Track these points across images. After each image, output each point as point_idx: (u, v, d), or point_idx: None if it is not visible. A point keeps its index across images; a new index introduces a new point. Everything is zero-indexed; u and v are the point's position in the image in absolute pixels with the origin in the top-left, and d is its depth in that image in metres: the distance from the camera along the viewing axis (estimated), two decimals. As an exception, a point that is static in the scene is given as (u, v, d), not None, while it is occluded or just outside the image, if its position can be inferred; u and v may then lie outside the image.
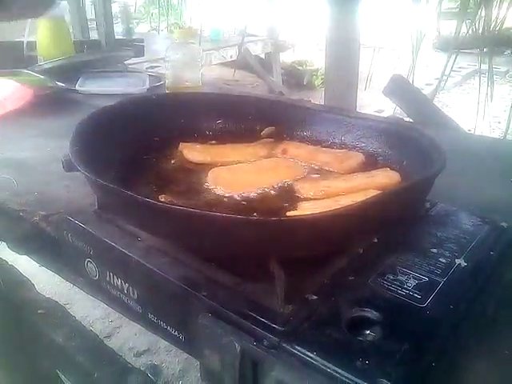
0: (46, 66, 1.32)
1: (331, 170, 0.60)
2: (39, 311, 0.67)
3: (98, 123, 0.55)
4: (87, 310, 1.42)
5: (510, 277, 0.51)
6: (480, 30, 1.29)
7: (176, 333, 0.45)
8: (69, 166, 0.49)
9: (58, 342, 0.63)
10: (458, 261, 0.47)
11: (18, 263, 0.83)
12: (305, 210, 0.48)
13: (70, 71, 1.31)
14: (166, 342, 0.62)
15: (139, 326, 0.66)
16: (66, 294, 1.44)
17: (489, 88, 1.35)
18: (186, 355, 0.79)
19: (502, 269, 0.49)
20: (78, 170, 0.45)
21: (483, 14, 1.27)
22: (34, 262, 0.88)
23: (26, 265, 0.86)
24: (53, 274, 0.79)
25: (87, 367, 0.59)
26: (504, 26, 1.48)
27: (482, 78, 1.40)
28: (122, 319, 1.45)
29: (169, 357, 1.31)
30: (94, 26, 2.07)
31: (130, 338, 1.37)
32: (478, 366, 0.43)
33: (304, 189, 0.54)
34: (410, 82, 1.41)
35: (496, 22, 1.28)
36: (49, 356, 0.64)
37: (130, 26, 2.85)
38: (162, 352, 1.32)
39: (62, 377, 0.65)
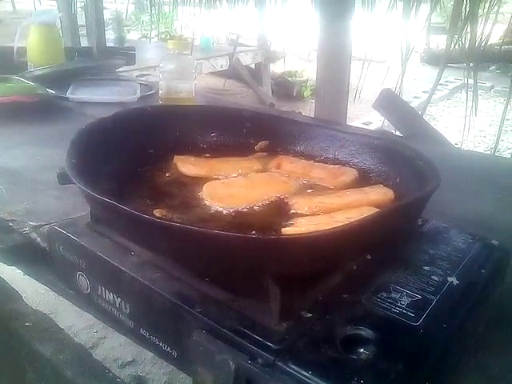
0: (37, 73, 1.31)
1: (325, 185, 0.60)
2: (26, 323, 0.66)
3: (94, 135, 0.55)
4: (72, 319, 1.40)
5: (500, 295, 0.52)
6: (466, 46, 1.31)
7: (168, 349, 0.45)
8: (63, 179, 0.48)
9: (46, 355, 0.62)
10: (450, 279, 0.47)
11: (1, 272, 0.81)
12: (300, 226, 0.48)
13: (60, 78, 1.31)
14: (152, 353, 0.62)
15: (124, 336, 0.65)
16: (51, 304, 1.42)
17: (473, 103, 1.37)
18: (171, 367, 0.78)
19: (492, 287, 0.50)
20: (73, 183, 0.45)
21: (469, 29, 1.30)
22: (18, 270, 0.87)
23: (10, 273, 0.85)
24: (37, 284, 0.78)
25: (76, 381, 0.58)
26: (489, 43, 1.51)
27: (468, 92, 1.43)
28: (106, 330, 1.43)
29: (154, 368, 1.30)
30: (85, 32, 2.07)
31: (114, 348, 1.35)
32: (470, 383, 0.44)
33: (298, 204, 0.54)
34: (399, 94, 1.43)
35: (481, 38, 1.31)
36: (35, 370, 0.63)
37: (122, 33, 2.85)
38: (147, 363, 1.30)
39: (49, 391, 0.64)
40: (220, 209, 0.53)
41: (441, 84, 4.11)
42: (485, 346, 0.47)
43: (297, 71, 4.11)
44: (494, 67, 4.43)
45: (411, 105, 2.34)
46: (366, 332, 0.40)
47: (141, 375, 1.28)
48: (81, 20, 2.17)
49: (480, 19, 1.33)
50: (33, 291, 1.38)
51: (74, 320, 1.41)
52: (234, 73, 3.46)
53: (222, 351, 0.38)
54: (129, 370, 1.29)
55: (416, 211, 0.48)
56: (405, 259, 0.50)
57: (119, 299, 0.48)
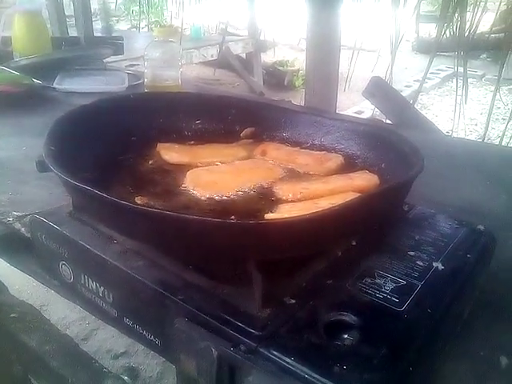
0: (23, 63, 1.29)
1: (310, 171, 0.60)
2: (12, 315, 0.65)
3: (74, 122, 0.54)
4: (64, 312, 1.39)
5: (485, 280, 0.52)
6: (457, 34, 1.31)
7: (152, 337, 0.44)
8: (42, 167, 0.48)
9: (32, 346, 0.61)
10: (435, 264, 0.47)
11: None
12: (283, 212, 0.48)
13: (47, 68, 1.29)
14: (144, 344, 0.61)
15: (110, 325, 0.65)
16: (42, 296, 1.41)
17: (463, 91, 1.37)
18: (163, 358, 0.78)
19: (478, 272, 0.50)
20: (52, 171, 0.44)
21: (459, 18, 1.30)
22: (7, 264, 0.86)
23: (-2, 267, 0.84)
24: (27, 277, 0.77)
25: (62, 372, 0.58)
26: (480, 31, 1.51)
27: (458, 80, 1.43)
28: (99, 321, 1.43)
29: (147, 359, 1.30)
30: (73, 22, 2.04)
31: (107, 340, 1.35)
32: (455, 366, 0.44)
33: (282, 190, 0.54)
34: (389, 83, 1.43)
35: (471, 26, 1.30)
36: (22, 361, 0.63)
37: (110, 23, 2.81)
38: (139, 354, 1.30)
39: (35, 382, 0.63)
40: (203, 196, 0.52)
41: (432, 73, 4.11)
42: (470, 331, 0.47)
43: (288, 61, 4.09)
44: (484, 55, 4.43)
45: (403, 94, 2.34)
46: (349, 318, 0.39)
47: (133, 366, 1.28)
48: (68, 10, 2.14)
49: (470, 8, 1.33)
50: (24, 283, 1.37)
51: (66, 312, 1.41)
52: (224, 62, 3.44)
53: (204, 338, 0.38)
54: (121, 361, 1.29)
55: (400, 196, 0.48)
56: (390, 245, 0.50)
57: (102, 288, 0.48)
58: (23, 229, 0.64)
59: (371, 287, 0.43)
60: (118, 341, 1.33)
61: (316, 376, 0.33)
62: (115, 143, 0.59)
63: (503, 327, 0.48)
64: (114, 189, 0.52)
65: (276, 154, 0.63)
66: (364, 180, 0.54)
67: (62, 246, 0.51)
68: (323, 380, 0.33)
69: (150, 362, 1.31)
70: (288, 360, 0.35)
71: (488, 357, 0.45)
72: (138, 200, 0.48)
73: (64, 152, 0.48)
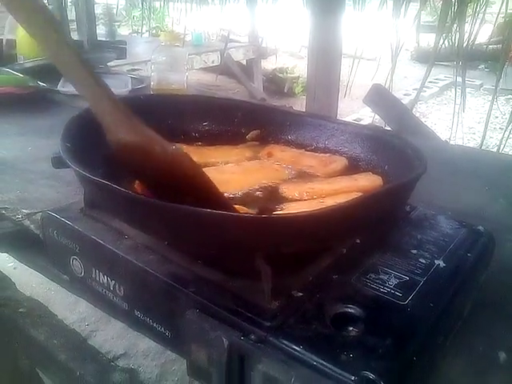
0: (27, 65, 1.30)
1: (315, 173, 0.61)
2: (20, 310, 0.66)
3: (88, 121, 0.55)
4: (63, 313, 1.40)
5: (485, 278, 0.53)
6: (456, 44, 1.33)
7: (162, 329, 0.46)
8: (58, 163, 0.49)
9: (39, 340, 0.62)
10: (437, 261, 0.48)
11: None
12: (290, 209, 0.50)
13: (51, 71, 1.29)
14: (143, 347, 0.62)
15: (116, 329, 0.66)
16: (42, 297, 1.42)
17: (461, 99, 1.39)
18: (163, 359, 0.79)
19: (478, 270, 0.51)
20: (68, 167, 0.45)
21: (458, 28, 1.32)
22: (9, 264, 0.87)
23: (2, 265, 0.85)
24: (28, 276, 0.78)
25: (69, 365, 0.59)
26: (478, 42, 1.53)
27: (457, 89, 1.45)
28: (98, 322, 1.43)
29: (146, 361, 1.30)
30: (74, 27, 2.06)
31: (106, 341, 1.35)
32: (455, 360, 0.45)
33: (289, 190, 0.55)
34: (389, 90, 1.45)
35: (469, 37, 1.33)
36: (29, 355, 0.64)
37: (113, 28, 2.84)
38: (139, 356, 1.30)
39: (43, 376, 0.64)
40: (212, 194, 0.54)
41: (431, 82, 4.15)
42: (470, 327, 0.48)
43: (288, 68, 4.12)
44: (483, 66, 4.48)
45: (402, 102, 2.36)
46: (355, 310, 0.41)
47: (133, 368, 1.29)
48: (71, 15, 2.16)
49: (468, 19, 1.35)
50: (23, 284, 1.38)
51: (65, 313, 1.41)
52: (225, 69, 3.46)
53: (216, 329, 0.39)
54: (121, 362, 1.29)
55: (402, 196, 0.49)
56: (393, 243, 0.51)
57: (113, 282, 0.49)
58: (32, 226, 0.65)
59: (375, 282, 0.44)
60: (117, 342, 1.33)
61: (324, 363, 0.35)
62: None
63: (502, 324, 0.50)
64: (126, 184, 0.53)
65: (281, 156, 0.65)
66: (368, 181, 0.56)
67: (73, 242, 0.53)
68: (331, 367, 0.35)
69: (149, 364, 1.31)
70: (297, 348, 0.36)
71: (487, 352, 0.46)
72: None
73: (78, 150, 0.49)
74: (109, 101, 0.43)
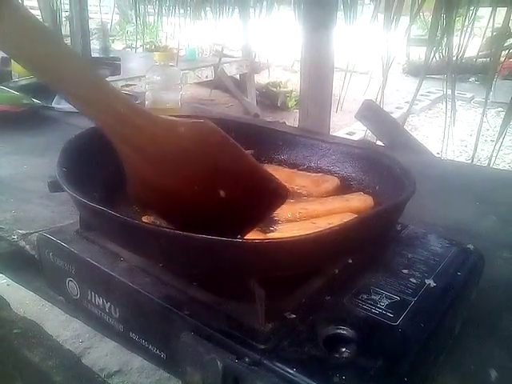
0: (22, 83, 1.32)
1: (307, 192, 0.62)
2: (15, 331, 0.66)
3: (84, 143, 0.56)
4: (57, 330, 1.39)
5: (475, 297, 0.54)
6: (446, 58, 1.36)
7: (157, 351, 0.46)
8: (54, 187, 0.50)
9: (35, 362, 0.62)
10: (427, 281, 0.49)
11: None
12: (284, 231, 0.50)
13: (46, 88, 1.31)
14: (138, 363, 0.63)
15: (110, 346, 0.66)
16: (36, 314, 1.41)
17: (452, 112, 1.41)
18: (158, 376, 0.79)
19: (468, 289, 0.52)
20: (64, 191, 0.46)
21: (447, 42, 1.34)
22: (2, 280, 0.87)
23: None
24: (22, 295, 0.78)
25: (64, 387, 0.59)
26: (468, 55, 1.56)
27: (447, 102, 1.47)
28: (92, 340, 1.43)
29: (140, 378, 1.29)
30: (69, 42, 2.07)
31: (100, 358, 1.34)
32: (446, 379, 0.46)
33: (282, 210, 0.56)
34: (380, 105, 1.47)
35: (458, 50, 1.35)
36: (24, 376, 0.64)
37: (107, 43, 2.86)
38: (134, 373, 1.30)
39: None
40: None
41: (422, 95, 4.19)
42: (460, 345, 0.49)
43: (281, 82, 4.15)
44: (473, 79, 4.53)
45: (393, 115, 2.39)
46: (347, 331, 0.42)
47: (127, 385, 1.28)
48: (65, 30, 2.18)
49: (457, 33, 1.38)
50: (17, 301, 1.37)
51: (59, 330, 1.40)
52: (219, 83, 3.48)
53: (210, 351, 0.40)
54: (115, 379, 1.28)
55: (393, 217, 0.50)
56: (384, 263, 0.52)
57: (109, 304, 0.50)
58: (28, 246, 0.66)
59: (367, 303, 0.45)
60: (111, 359, 1.33)
61: (317, 386, 0.35)
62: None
63: (493, 342, 0.51)
64: (121, 209, 0.54)
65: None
66: (359, 201, 0.57)
67: (69, 263, 0.53)
68: (324, 389, 0.35)
69: (143, 381, 1.30)
70: (290, 371, 0.37)
71: (478, 370, 0.47)
72: (145, 219, 0.50)
73: (75, 173, 0.50)
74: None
